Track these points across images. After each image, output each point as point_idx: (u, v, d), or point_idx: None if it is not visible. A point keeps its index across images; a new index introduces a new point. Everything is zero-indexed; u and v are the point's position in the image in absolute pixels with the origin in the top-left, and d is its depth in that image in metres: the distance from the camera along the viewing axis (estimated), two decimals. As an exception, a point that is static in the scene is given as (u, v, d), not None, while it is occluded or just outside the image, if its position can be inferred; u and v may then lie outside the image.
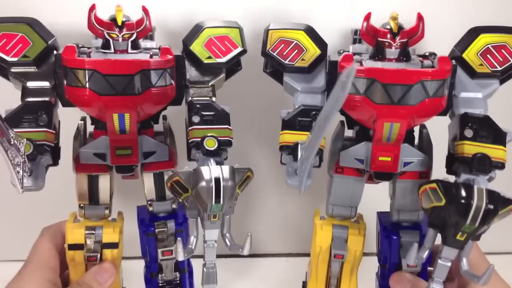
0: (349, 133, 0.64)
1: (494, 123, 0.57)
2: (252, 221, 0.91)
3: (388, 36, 0.57)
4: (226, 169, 0.51)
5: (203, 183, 0.50)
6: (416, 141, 0.63)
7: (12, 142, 0.48)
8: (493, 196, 0.49)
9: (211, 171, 0.51)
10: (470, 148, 0.55)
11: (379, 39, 0.57)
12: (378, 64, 0.57)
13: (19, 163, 0.49)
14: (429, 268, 0.63)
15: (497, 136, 0.56)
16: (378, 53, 0.58)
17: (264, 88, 0.66)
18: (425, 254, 0.54)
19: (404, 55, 0.58)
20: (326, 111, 0.42)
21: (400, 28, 0.57)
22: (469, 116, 0.57)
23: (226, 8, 0.74)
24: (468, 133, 0.56)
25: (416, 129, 0.62)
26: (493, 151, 0.55)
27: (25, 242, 0.85)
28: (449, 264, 0.53)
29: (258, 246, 0.93)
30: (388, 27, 0.57)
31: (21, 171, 0.50)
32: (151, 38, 0.65)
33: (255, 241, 0.90)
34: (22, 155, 0.50)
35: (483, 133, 0.56)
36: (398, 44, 0.57)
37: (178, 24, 0.74)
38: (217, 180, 0.50)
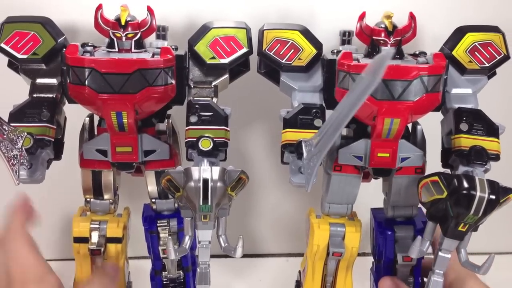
0: (343, 131, 0.60)
1: (486, 116, 0.55)
2: (252, 221, 0.86)
3: (383, 34, 0.54)
4: (216, 170, 0.48)
5: (191, 183, 0.48)
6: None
7: (5, 136, 0.46)
8: (493, 186, 0.47)
9: (201, 171, 0.48)
10: (466, 141, 0.53)
11: (375, 37, 0.54)
12: (375, 62, 0.53)
13: (15, 156, 0.47)
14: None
15: (490, 129, 0.54)
16: (373, 51, 0.55)
17: (265, 88, 0.62)
18: (426, 246, 0.52)
19: (398, 53, 0.55)
20: (352, 99, 0.38)
21: (394, 26, 0.54)
22: (463, 110, 0.55)
23: (233, 9, 0.70)
24: (464, 126, 0.54)
25: (409, 126, 0.58)
26: (488, 143, 0.53)
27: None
28: (449, 255, 0.50)
29: (258, 246, 0.88)
30: (383, 26, 0.54)
31: (17, 164, 0.47)
32: (164, 37, 0.61)
33: (255, 241, 0.87)
34: (19, 148, 0.47)
35: (478, 126, 0.54)
36: (393, 42, 0.54)
37: (185, 24, 0.70)
38: (205, 181, 0.48)
